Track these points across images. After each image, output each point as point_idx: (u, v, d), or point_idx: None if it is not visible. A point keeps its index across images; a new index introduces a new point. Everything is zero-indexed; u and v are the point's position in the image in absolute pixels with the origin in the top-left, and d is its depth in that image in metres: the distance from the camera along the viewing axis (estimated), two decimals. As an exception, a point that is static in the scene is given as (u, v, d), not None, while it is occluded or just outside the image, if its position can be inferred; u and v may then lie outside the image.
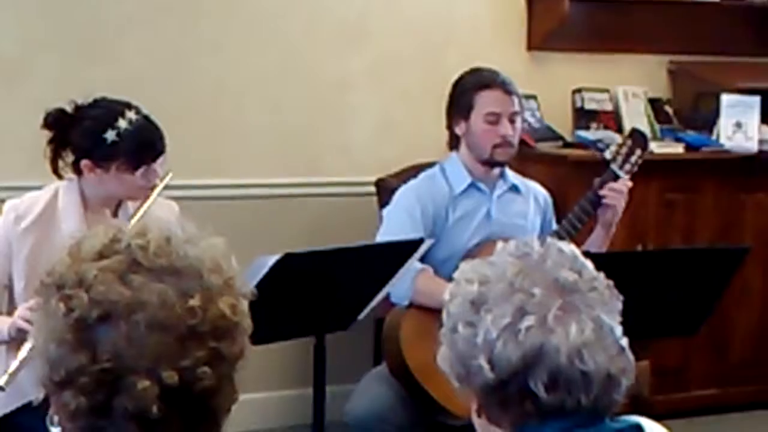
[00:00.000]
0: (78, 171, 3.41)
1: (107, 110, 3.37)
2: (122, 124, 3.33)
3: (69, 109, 3.39)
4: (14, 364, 3.10)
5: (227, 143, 5.12)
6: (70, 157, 3.40)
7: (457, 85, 4.17)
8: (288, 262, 3.21)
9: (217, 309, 1.52)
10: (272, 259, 3.18)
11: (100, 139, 3.32)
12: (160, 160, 3.39)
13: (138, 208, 3.40)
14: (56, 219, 3.40)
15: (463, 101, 4.10)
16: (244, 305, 1.57)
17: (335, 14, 5.29)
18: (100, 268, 1.50)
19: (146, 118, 3.40)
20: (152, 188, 3.39)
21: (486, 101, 4.06)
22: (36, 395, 3.05)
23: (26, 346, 3.08)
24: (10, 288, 3.41)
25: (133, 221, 3.26)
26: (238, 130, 5.15)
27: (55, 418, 1.55)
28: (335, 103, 5.31)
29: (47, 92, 4.63)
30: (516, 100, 4.09)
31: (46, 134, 3.41)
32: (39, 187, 3.54)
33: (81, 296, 1.49)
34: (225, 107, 5.12)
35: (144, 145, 3.36)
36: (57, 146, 3.40)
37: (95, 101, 3.40)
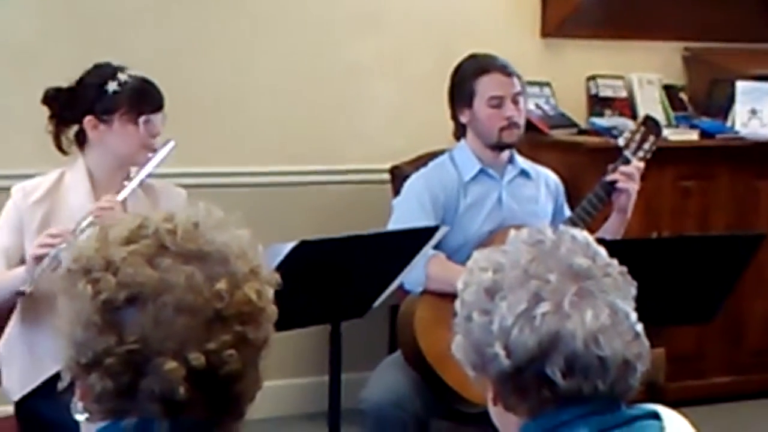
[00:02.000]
0: (81, 144, 3.54)
1: (107, 68, 3.54)
2: (122, 77, 3.50)
3: (65, 85, 3.56)
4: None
5: (239, 131, 5.11)
6: (72, 131, 3.54)
7: (456, 73, 4.16)
8: (303, 250, 3.21)
9: (243, 294, 1.53)
10: (287, 247, 3.18)
11: (102, 90, 3.48)
12: (160, 115, 3.52)
13: (138, 171, 3.50)
14: (64, 194, 3.52)
15: (465, 89, 4.09)
16: (270, 292, 1.58)
17: (349, 2, 5.28)
18: (128, 251, 1.51)
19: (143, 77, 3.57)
20: (152, 150, 3.50)
21: (487, 86, 4.06)
22: (53, 369, 3.09)
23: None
24: (23, 260, 3.47)
25: (133, 183, 3.45)
26: (251, 118, 5.15)
27: (79, 405, 1.56)
28: (349, 91, 5.31)
29: (58, 80, 4.65)
30: (517, 81, 4.09)
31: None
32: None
33: (108, 279, 1.50)
34: (238, 95, 5.11)
35: (144, 94, 3.52)
36: (58, 121, 3.54)
37: (93, 66, 3.56)
